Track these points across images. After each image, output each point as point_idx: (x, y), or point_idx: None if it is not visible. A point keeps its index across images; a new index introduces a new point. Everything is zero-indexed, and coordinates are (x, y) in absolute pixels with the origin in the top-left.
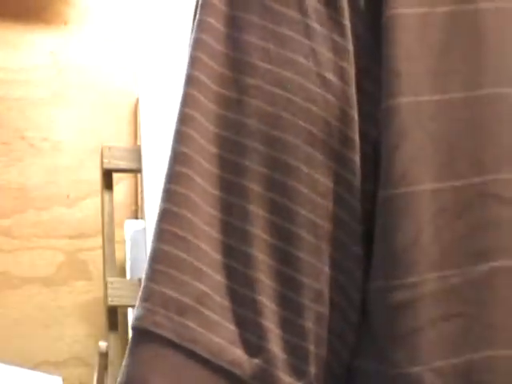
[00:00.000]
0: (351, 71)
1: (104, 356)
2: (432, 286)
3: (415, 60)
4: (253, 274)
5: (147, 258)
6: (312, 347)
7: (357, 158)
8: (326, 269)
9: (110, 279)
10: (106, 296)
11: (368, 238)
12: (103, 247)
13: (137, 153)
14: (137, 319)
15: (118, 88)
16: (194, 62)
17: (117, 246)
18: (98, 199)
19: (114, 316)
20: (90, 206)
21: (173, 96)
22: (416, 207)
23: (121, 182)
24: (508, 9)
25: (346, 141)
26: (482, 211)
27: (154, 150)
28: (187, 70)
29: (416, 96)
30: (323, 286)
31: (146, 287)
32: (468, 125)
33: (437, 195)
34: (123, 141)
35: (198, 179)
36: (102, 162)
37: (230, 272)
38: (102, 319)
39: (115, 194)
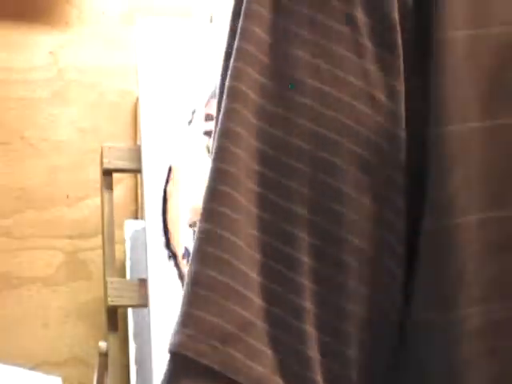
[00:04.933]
0: (401, 90)
1: (104, 356)
2: (476, 321)
3: (464, 85)
4: (298, 301)
5: (185, 281)
6: (355, 375)
7: (404, 181)
8: (370, 294)
9: (109, 279)
10: (106, 296)
11: (408, 261)
12: (103, 247)
13: (137, 153)
14: (177, 345)
15: (118, 88)
16: (237, 73)
17: (117, 246)
18: (98, 199)
19: (113, 316)
20: (90, 206)
21: (173, 96)
22: (462, 240)
23: (121, 182)
24: None
25: (395, 163)
26: None
27: (154, 150)
28: (230, 81)
29: (465, 122)
30: (367, 312)
31: (186, 312)
32: None
33: (483, 226)
34: (123, 141)
35: (242, 199)
36: (101, 162)
37: (274, 298)
38: (101, 319)
39: (115, 194)
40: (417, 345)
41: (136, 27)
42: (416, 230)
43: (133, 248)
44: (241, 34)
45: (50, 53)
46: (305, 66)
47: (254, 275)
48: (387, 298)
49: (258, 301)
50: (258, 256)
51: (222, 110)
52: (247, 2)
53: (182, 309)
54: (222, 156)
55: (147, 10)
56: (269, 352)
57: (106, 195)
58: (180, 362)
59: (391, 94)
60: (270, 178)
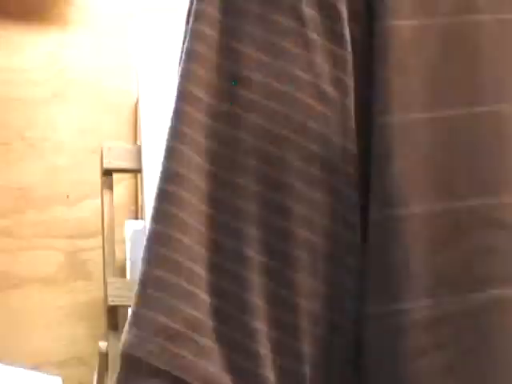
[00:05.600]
0: (350, 82)
1: (104, 356)
2: (425, 312)
3: (409, 75)
4: (247, 297)
5: (137, 282)
6: (308, 371)
7: (355, 172)
8: (323, 288)
9: (109, 279)
10: (106, 296)
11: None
12: (103, 247)
13: (137, 153)
14: (126, 346)
15: (118, 88)
16: (185, 73)
17: (117, 246)
18: (98, 199)
19: (114, 316)
20: (90, 206)
21: (173, 96)
22: (405, 231)
23: (121, 182)
24: (509, 20)
25: (345, 155)
26: (481, 236)
27: (154, 150)
28: (179, 83)
29: (408, 113)
30: (320, 306)
31: (134, 312)
32: (466, 144)
33: (431, 217)
34: (123, 141)
35: (190, 198)
36: (101, 162)
37: (222, 294)
38: (101, 319)
39: (115, 194)
40: (366, 339)
41: (136, 27)
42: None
43: (133, 248)
44: (190, 34)
45: (50, 53)
46: (251, 62)
47: (201, 272)
48: (342, 292)
49: (206, 298)
50: (206, 253)
51: (172, 111)
52: (196, 3)
53: (131, 309)
54: (170, 156)
55: (147, 10)
56: (218, 349)
57: (106, 195)
58: (130, 363)
59: (339, 86)
60: (218, 175)
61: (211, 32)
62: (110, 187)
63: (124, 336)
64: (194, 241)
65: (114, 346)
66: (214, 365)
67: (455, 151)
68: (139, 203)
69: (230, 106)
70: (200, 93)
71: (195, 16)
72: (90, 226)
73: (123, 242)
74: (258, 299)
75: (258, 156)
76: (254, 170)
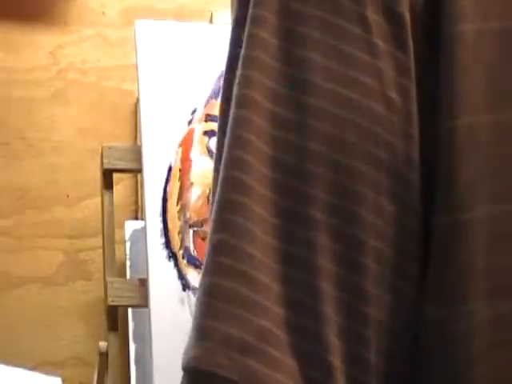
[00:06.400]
0: (413, 89)
1: (104, 356)
2: (483, 314)
3: (473, 79)
4: (318, 307)
5: (199, 292)
6: (374, 381)
7: (418, 180)
8: (387, 296)
9: (109, 279)
10: (106, 296)
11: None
12: (103, 247)
13: (137, 153)
14: (194, 359)
15: (118, 88)
16: (246, 80)
17: (117, 246)
18: (98, 199)
19: (114, 316)
20: (90, 206)
21: (173, 96)
22: (473, 234)
23: (121, 182)
24: None
25: (409, 162)
26: None
27: (154, 150)
28: (239, 89)
29: (474, 117)
30: (386, 316)
31: (202, 325)
32: None
33: (492, 219)
34: (123, 141)
35: (256, 207)
36: (102, 162)
37: (293, 305)
38: (101, 319)
39: (115, 194)
40: (428, 343)
41: (136, 28)
42: (428, 230)
43: (133, 248)
44: (247, 40)
45: (50, 53)
46: (317, 68)
47: (270, 283)
48: (405, 300)
49: (276, 309)
50: (274, 264)
51: (232, 118)
52: (253, 8)
53: (196, 321)
54: (233, 165)
55: (147, 10)
56: (289, 361)
57: (106, 195)
58: (200, 377)
59: (404, 92)
60: (285, 184)
61: (270, 38)
62: (110, 187)
63: (189, 349)
64: (261, 251)
65: (113, 346)
66: (285, 376)
67: None
68: (139, 203)
69: (295, 114)
70: (262, 100)
71: (251, 21)
72: (89, 226)
73: (123, 242)
74: (329, 310)
75: (326, 164)
76: (322, 177)
